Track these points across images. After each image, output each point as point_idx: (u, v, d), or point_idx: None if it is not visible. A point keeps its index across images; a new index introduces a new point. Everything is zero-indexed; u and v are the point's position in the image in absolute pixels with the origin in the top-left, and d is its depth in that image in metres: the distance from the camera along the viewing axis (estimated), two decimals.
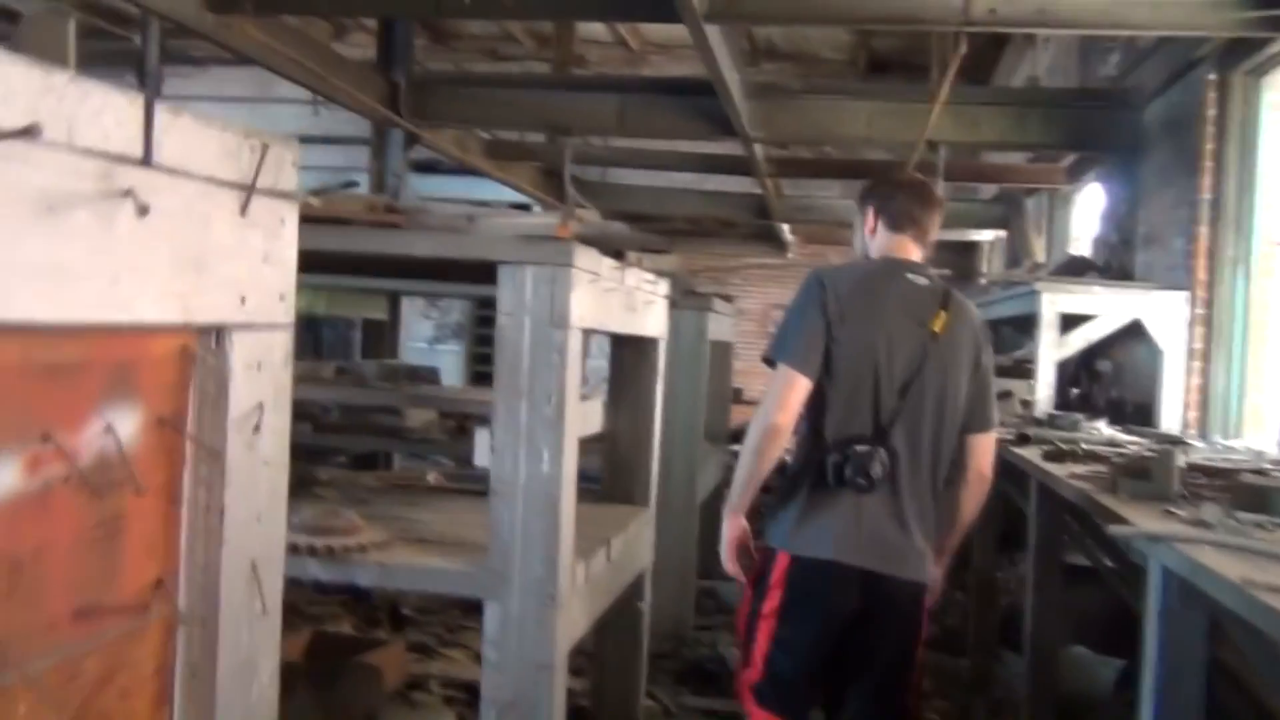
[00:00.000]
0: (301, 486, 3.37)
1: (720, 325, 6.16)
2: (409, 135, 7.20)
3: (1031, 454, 3.75)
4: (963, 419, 2.90)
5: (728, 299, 6.30)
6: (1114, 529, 2.34)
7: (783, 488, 2.91)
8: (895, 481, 2.77)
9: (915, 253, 2.97)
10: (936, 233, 3.03)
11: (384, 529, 3.00)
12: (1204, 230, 5.21)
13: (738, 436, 9.44)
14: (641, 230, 14.39)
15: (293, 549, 2.41)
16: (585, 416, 3.82)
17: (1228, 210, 5.14)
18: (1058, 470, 3.33)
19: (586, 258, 2.75)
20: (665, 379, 5.03)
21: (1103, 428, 5.01)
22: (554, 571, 2.67)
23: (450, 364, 14.53)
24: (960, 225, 10.93)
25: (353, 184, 3.50)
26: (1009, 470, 4.42)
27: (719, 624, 5.96)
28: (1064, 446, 3.76)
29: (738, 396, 11.21)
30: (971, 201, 10.83)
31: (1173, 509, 2.58)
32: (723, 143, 8.19)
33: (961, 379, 2.86)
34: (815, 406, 2.81)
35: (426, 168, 11.54)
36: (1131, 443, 4.20)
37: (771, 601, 2.83)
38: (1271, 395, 5.14)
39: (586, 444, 3.97)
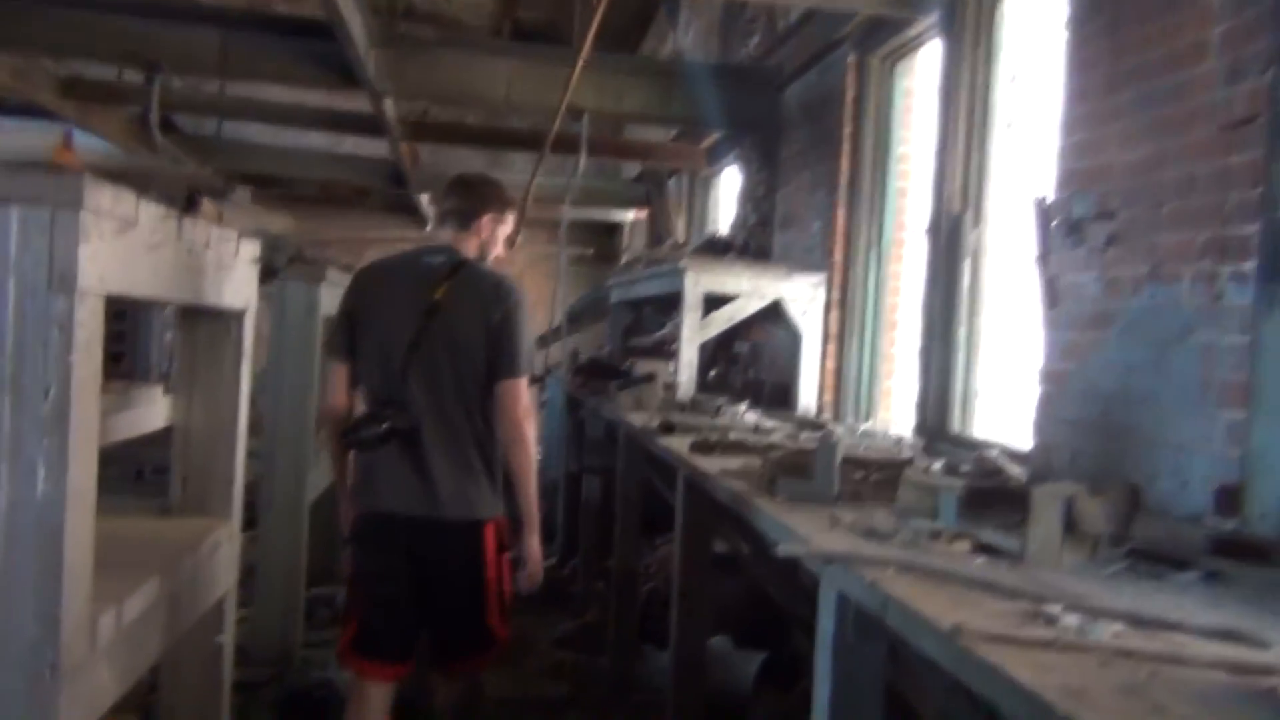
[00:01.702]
0: None
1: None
2: None
3: (679, 445, 3.40)
4: (486, 370, 3.15)
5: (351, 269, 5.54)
6: (783, 548, 1.95)
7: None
8: (417, 433, 3.08)
9: (457, 237, 3.30)
10: (480, 209, 3.31)
11: None
12: (841, 213, 5.17)
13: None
14: (268, 195, 13.11)
15: None
16: (139, 409, 3.00)
17: (863, 193, 5.13)
18: (708, 464, 2.98)
19: (109, 198, 1.99)
20: (267, 361, 4.23)
21: (745, 412, 4.83)
22: (54, 631, 1.90)
23: None
24: (603, 204, 10.76)
25: None
26: (655, 461, 4.08)
27: (335, 637, 5.26)
28: (712, 437, 3.44)
29: None
30: (614, 180, 10.69)
31: (837, 513, 2.26)
32: (353, 98, 7.41)
33: (473, 334, 3.14)
34: (360, 384, 3.25)
35: None
36: (775, 429, 3.99)
37: (350, 559, 3.29)
38: (900, 379, 5.20)
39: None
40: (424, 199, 11.41)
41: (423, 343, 3.12)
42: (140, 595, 2.38)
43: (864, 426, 4.79)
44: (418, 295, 3.16)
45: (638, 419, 4.33)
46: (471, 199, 3.34)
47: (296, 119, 8.44)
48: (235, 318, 3.20)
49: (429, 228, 4.14)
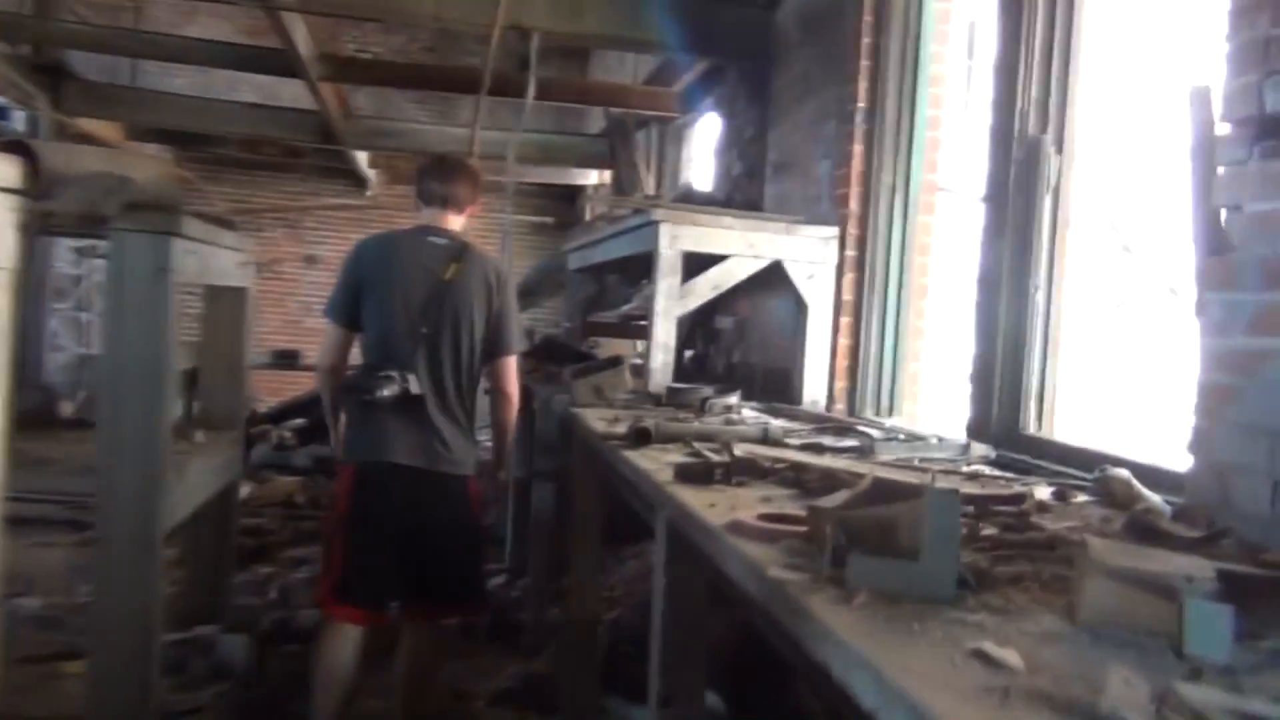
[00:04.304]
0: None
1: (220, 262, 4.22)
2: None
3: (657, 465, 2.27)
4: (485, 346, 3.46)
5: (227, 224, 4.35)
6: None
7: (346, 418, 3.50)
8: (422, 397, 3.32)
9: (447, 220, 3.52)
10: (471, 197, 3.56)
11: None
12: (858, 149, 4.05)
13: (287, 415, 7.40)
14: (189, 159, 11.79)
15: None
16: None
17: (887, 123, 4.01)
18: (706, 506, 1.85)
19: None
20: (100, 344, 2.98)
21: (739, 407, 3.71)
22: None
23: None
24: (562, 162, 9.57)
25: None
26: (619, 476, 2.96)
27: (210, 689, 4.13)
28: (704, 451, 2.32)
29: (293, 362, 9.17)
30: (574, 136, 9.48)
31: (976, 642, 1.14)
32: (264, 35, 6.19)
33: (477, 314, 3.42)
34: (362, 347, 3.47)
35: None
36: (788, 432, 2.87)
37: (340, 507, 3.40)
38: (931, 361, 4.11)
39: None
40: (362, 159, 10.16)
41: (432, 316, 3.37)
42: None
43: (890, 423, 3.70)
44: (428, 273, 3.40)
45: (598, 419, 3.20)
46: (465, 186, 3.56)
47: (195, 56, 7.18)
48: None
49: (424, 207, 3.60)
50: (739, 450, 2.24)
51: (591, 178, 10.91)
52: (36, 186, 3.34)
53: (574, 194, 12.83)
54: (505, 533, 6.50)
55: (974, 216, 3.42)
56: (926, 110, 3.97)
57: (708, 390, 3.73)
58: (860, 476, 1.96)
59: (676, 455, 2.49)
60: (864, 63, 4.00)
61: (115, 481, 3.49)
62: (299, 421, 8.45)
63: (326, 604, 3.42)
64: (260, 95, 11.31)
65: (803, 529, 1.56)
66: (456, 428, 3.39)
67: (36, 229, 3.10)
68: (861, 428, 3.04)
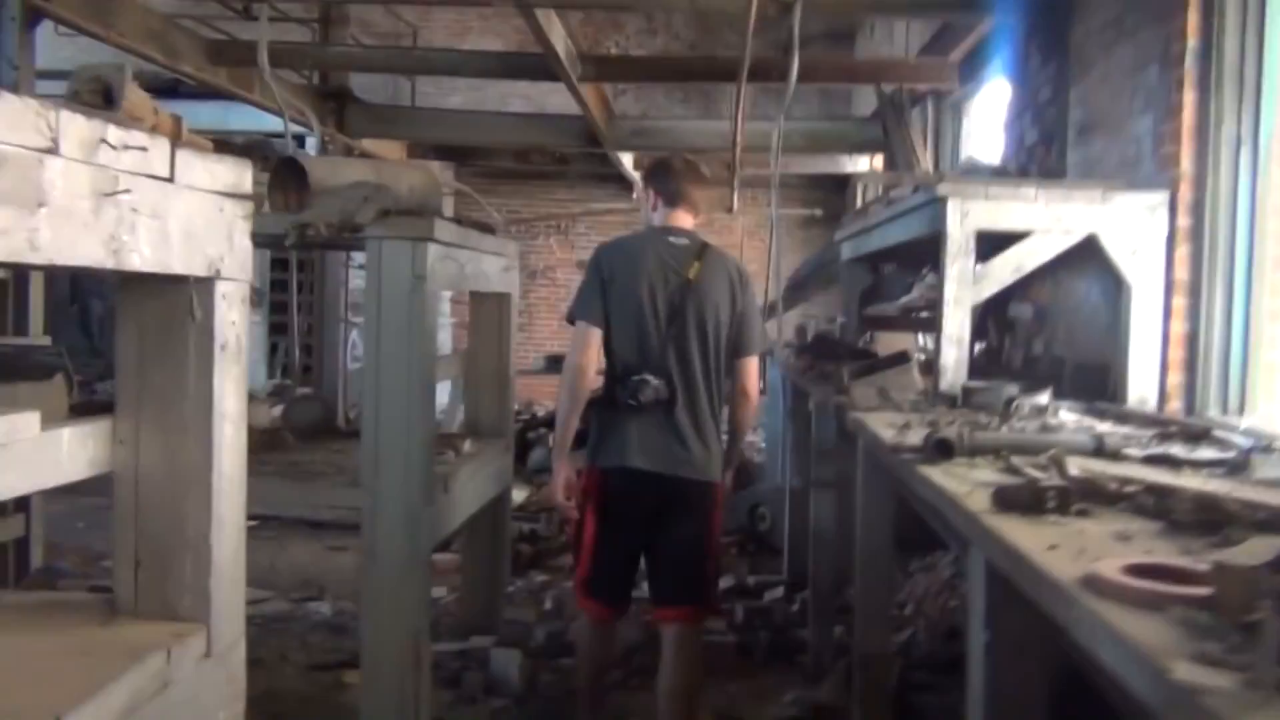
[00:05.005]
0: None
1: (482, 268, 4.12)
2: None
3: (966, 488, 1.84)
4: (729, 346, 3.51)
5: (487, 228, 4.25)
6: None
7: (591, 417, 3.51)
8: (672, 400, 3.38)
9: (686, 220, 3.61)
10: (703, 196, 3.67)
11: None
12: (1190, 97, 3.39)
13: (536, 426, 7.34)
14: (468, 173, 12.24)
15: None
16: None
17: (1226, 62, 3.33)
18: (1045, 549, 1.42)
19: None
20: (367, 349, 3.03)
21: (1050, 406, 3.18)
22: None
23: None
24: (831, 149, 9.10)
25: None
26: (915, 497, 2.54)
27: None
28: (1034, 474, 1.87)
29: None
30: (842, 121, 8.99)
31: None
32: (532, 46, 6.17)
33: (721, 314, 3.47)
34: (606, 350, 3.48)
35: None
36: (1129, 439, 2.35)
37: (589, 509, 3.48)
38: None
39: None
40: (626, 161, 10.12)
41: (678, 317, 3.41)
42: None
43: (1244, 424, 3.04)
44: (671, 273, 3.43)
45: (885, 425, 2.79)
46: (697, 185, 3.64)
47: (465, 69, 7.30)
48: (200, 288, 1.92)
49: (654, 210, 3.64)
50: (1074, 468, 1.78)
51: (862, 165, 10.35)
52: (303, 200, 3.33)
53: (843, 184, 12.30)
54: (782, 543, 6.16)
55: None
56: (1276, 45, 3.26)
57: (1012, 389, 3.21)
58: (1257, 506, 1.47)
59: (988, 471, 2.05)
60: None
61: (379, 495, 3.43)
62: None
63: (579, 596, 3.62)
64: (529, 107, 11.58)
65: (1202, 591, 1.11)
66: (704, 431, 3.42)
67: (294, 241, 3.06)
68: (1218, 433, 2.46)
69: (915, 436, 2.50)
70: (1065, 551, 1.38)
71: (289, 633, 4.88)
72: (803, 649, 4.66)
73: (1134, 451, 2.22)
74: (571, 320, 3.54)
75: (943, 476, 1.98)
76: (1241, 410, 3.34)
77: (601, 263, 3.48)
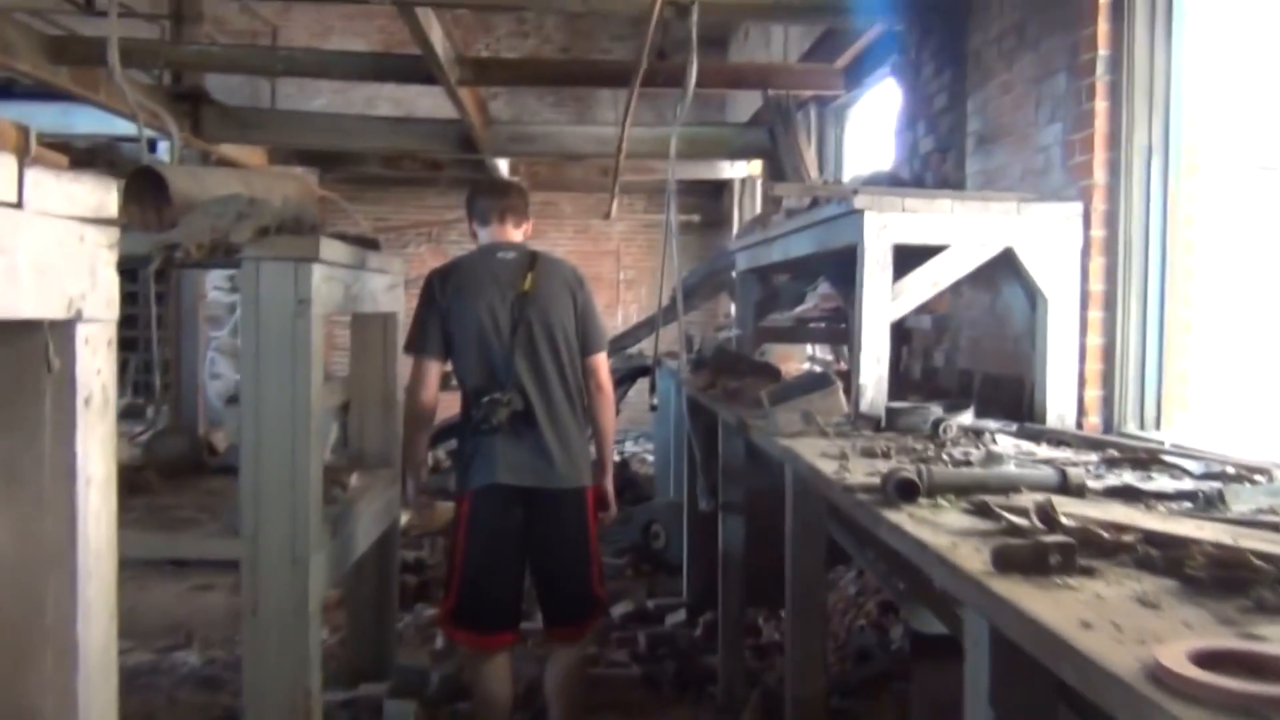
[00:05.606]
0: None
1: (366, 287, 3.80)
2: None
3: (949, 545, 1.67)
4: (578, 346, 3.55)
5: (371, 244, 3.94)
6: None
7: (457, 447, 3.75)
8: (529, 412, 3.38)
9: (508, 234, 3.65)
10: (526, 209, 3.72)
11: None
12: (1101, 107, 3.34)
13: (441, 437, 7.01)
14: (333, 180, 11.70)
15: None
16: None
17: (1138, 70, 3.29)
18: (1069, 622, 1.25)
19: None
20: (244, 382, 2.78)
21: (978, 426, 3.08)
22: None
23: None
24: (714, 155, 9.00)
25: None
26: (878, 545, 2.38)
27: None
28: (1016, 520, 1.71)
29: (447, 381, 8.83)
30: (722, 126, 8.89)
31: None
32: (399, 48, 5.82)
33: (566, 319, 3.51)
34: (457, 375, 3.53)
35: None
36: (1078, 470, 2.23)
37: (459, 534, 3.47)
38: (1203, 358, 3.38)
39: None
40: (503, 167, 9.82)
41: (521, 328, 3.40)
42: None
43: (1165, 438, 3.00)
44: (506, 287, 3.45)
45: (817, 454, 2.62)
46: (523, 201, 3.72)
47: (333, 70, 6.89)
48: (58, 332, 1.60)
49: (474, 236, 3.73)
50: (1066, 517, 1.63)
51: (740, 170, 10.30)
52: (164, 216, 2.96)
53: (719, 189, 12.25)
54: (679, 560, 5.99)
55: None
56: (1179, 50, 3.24)
57: (937, 410, 3.09)
58: (1273, 559, 1.33)
59: (954, 514, 1.89)
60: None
61: (261, 545, 3.09)
62: (454, 444, 8.12)
63: (446, 627, 3.58)
64: (398, 110, 11.15)
65: None
66: (566, 438, 3.44)
67: (159, 264, 2.71)
68: (1171, 459, 2.37)
69: (859, 469, 2.34)
70: (1103, 631, 1.21)
71: (154, 688, 4.43)
72: (712, 678, 4.48)
73: (1094, 485, 2.10)
74: (409, 351, 3.53)
75: (912, 524, 1.80)
76: (1158, 424, 3.31)
77: (434, 288, 3.49)
